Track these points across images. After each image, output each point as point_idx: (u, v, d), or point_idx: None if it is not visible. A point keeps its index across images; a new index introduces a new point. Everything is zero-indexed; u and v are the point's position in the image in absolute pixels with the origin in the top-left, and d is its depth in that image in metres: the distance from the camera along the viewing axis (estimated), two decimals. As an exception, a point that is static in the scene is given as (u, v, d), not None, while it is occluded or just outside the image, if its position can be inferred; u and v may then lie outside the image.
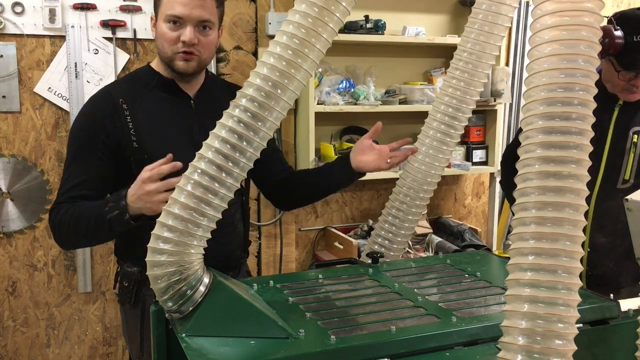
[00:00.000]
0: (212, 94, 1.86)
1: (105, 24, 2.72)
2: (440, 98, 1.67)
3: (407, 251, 3.01)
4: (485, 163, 3.36)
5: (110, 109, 1.72)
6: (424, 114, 1.74)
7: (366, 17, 2.99)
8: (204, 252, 1.19)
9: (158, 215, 1.17)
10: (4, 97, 2.64)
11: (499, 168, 3.36)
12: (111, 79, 2.76)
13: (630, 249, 1.70)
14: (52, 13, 2.62)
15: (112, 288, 2.90)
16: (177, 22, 1.67)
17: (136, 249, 1.58)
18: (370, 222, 3.17)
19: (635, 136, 2.09)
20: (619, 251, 2.15)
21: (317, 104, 2.93)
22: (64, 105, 2.73)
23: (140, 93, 1.77)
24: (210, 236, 1.18)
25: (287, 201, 2.09)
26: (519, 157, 1.02)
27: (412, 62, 3.34)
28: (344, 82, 3.01)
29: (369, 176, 3.03)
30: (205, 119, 1.77)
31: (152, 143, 1.72)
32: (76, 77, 2.71)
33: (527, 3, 3.50)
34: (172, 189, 1.20)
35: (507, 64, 3.52)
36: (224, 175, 1.15)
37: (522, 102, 1.06)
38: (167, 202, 1.19)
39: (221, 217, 1.19)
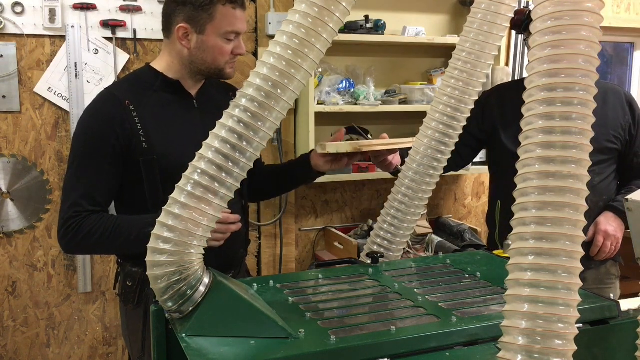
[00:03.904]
0: (211, 93, 1.90)
1: (105, 24, 2.72)
2: (439, 98, 1.67)
3: (407, 251, 3.00)
4: (485, 163, 3.35)
5: (118, 111, 1.73)
6: (424, 114, 1.73)
7: (366, 17, 2.99)
8: (204, 251, 1.20)
9: None
10: (4, 97, 2.64)
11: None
12: (111, 79, 2.76)
13: None
14: (52, 13, 2.62)
15: (112, 288, 2.90)
16: (233, 37, 1.78)
17: None
18: (370, 222, 3.16)
19: None
20: (586, 227, 2.28)
21: (317, 104, 2.93)
22: (64, 105, 2.73)
23: (145, 94, 1.78)
24: (210, 236, 1.18)
25: (253, 194, 2.11)
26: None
27: (412, 62, 3.34)
28: (344, 82, 3.01)
29: (369, 176, 3.06)
30: (208, 117, 1.79)
31: (161, 143, 1.74)
32: (76, 77, 2.71)
33: (527, 3, 3.50)
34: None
35: (507, 64, 3.52)
36: (224, 175, 1.15)
37: (522, 102, 1.05)
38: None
39: (221, 217, 1.19)
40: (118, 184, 1.75)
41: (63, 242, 1.72)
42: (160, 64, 1.83)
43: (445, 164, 1.74)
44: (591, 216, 2.30)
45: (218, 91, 1.94)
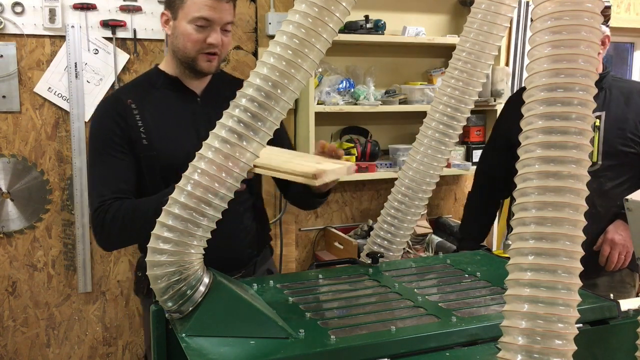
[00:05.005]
0: (218, 90, 1.89)
1: (105, 24, 2.72)
2: (439, 98, 1.67)
3: (407, 251, 3.00)
4: (485, 163, 3.35)
5: (119, 109, 1.76)
6: (424, 114, 1.74)
7: (366, 17, 2.99)
8: (204, 252, 1.19)
9: None
10: (4, 97, 2.64)
11: None
12: (111, 79, 2.76)
13: None
14: (52, 13, 2.62)
15: (111, 288, 2.91)
16: (203, 24, 1.71)
17: None
18: (370, 222, 3.16)
19: (597, 120, 2.21)
20: (595, 233, 2.24)
21: (317, 104, 2.93)
22: (64, 105, 2.73)
23: (147, 93, 1.81)
24: (210, 236, 1.18)
25: (299, 203, 2.04)
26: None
27: (412, 62, 3.34)
28: (344, 82, 3.01)
29: (369, 176, 3.06)
30: (213, 115, 1.80)
31: (161, 140, 1.76)
32: (76, 77, 2.71)
33: (527, 3, 3.50)
34: None
35: (507, 64, 3.52)
36: (223, 175, 1.15)
37: (522, 102, 1.05)
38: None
39: (221, 217, 1.18)
40: (135, 172, 1.76)
41: (97, 237, 1.75)
42: (163, 63, 1.86)
43: (445, 164, 1.74)
44: (602, 222, 2.24)
45: (229, 89, 1.91)
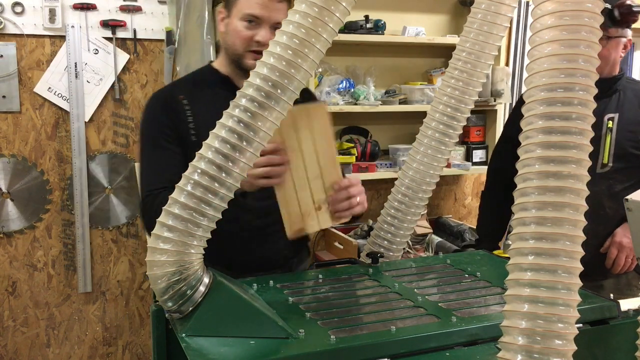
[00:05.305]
0: None
1: (105, 24, 2.72)
2: (439, 98, 1.67)
3: (407, 251, 3.00)
4: (485, 163, 3.35)
5: (171, 104, 1.78)
6: (424, 114, 1.74)
7: (366, 17, 2.99)
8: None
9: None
10: (4, 97, 2.64)
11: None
12: (111, 79, 2.77)
13: None
14: (52, 13, 2.62)
15: (111, 288, 2.91)
16: (253, 21, 1.71)
17: None
18: (370, 222, 3.16)
19: (610, 122, 2.22)
20: (603, 235, 2.24)
21: (317, 104, 2.93)
22: (64, 105, 2.73)
23: (199, 90, 1.82)
24: (210, 236, 1.18)
25: None
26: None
27: (412, 62, 3.34)
28: (344, 82, 3.01)
29: (369, 176, 3.06)
30: None
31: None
32: (76, 77, 2.71)
33: (527, 3, 3.50)
34: (273, 165, 1.34)
35: (507, 64, 3.52)
36: (223, 175, 1.15)
37: (522, 102, 1.05)
38: (267, 177, 1.39)
39: (221, 216, 1.19)
40: (184, 165, 1.77)
41: (144, 227, 1.78)
42: (217, 61, 1.87)
43: (445, 164, 1.74)
44: (611, 224, 2.24)
45: None
